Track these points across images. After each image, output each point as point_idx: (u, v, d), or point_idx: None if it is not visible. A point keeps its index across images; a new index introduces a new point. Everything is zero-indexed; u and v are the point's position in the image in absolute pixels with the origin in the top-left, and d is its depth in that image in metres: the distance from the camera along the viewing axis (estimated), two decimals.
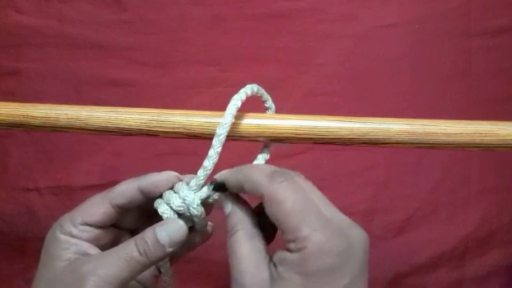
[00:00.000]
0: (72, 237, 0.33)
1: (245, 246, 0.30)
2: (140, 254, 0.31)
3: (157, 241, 0.32)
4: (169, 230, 0.32)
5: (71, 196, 0.62)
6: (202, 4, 0.62)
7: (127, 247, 0.32)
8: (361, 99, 0.61)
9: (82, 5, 0.62)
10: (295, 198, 0.28)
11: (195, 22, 0.62)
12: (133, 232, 0.37)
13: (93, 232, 0.34)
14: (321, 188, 0.64)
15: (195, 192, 0.34)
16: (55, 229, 0.34)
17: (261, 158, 0.37)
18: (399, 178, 0.61)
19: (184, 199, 0.33)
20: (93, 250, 0.34)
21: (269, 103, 0.39)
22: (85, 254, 0.33)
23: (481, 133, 0.36)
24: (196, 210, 0.33)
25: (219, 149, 0.34)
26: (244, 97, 0.35)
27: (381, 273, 0.59)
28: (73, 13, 0.62)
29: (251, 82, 0.60)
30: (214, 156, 0.34)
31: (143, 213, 0.37)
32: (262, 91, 0.37)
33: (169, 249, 0.32)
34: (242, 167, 0.31)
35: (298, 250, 0.27)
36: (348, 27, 0.61)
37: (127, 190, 0.34)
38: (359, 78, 0.61)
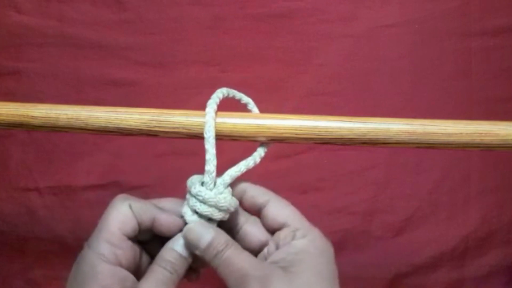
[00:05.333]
0: (118, 264, 0.32)
1: (243, 253, 0.34)
2: (171, 273, 0.33)
3: (180, 256, 0.34)
4: (182, 243, 0.35)
5: (71, 196, 0.62)
6: (202, 4, 0.62)
7: (157, 273, 0.33)
8: (361, 99, 0.61)
9: (82, 5, 0.62)
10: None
11: (195, 22, 0.62)
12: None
13: (132, 248, 0.34)
14: (321, 188, 0.64)
15: (211, 190, 0.35)
16: (92, 259, 0.32)
17: (258, 154, 0.37)
18: (399, 178, 0.61)
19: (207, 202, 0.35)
20: (130, 283, 0.33)
21: (245, 99, 0.39)
22: None
23: (481, 133, 0.36)
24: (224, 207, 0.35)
25: (214, 151, 0.35)
26: (217, 101, 0.37)
27: (381, 273, 0.59)
28: (73, 13, 0.62)
29: (251, 82, 0.60)
30: (212, 158, 0.35)
31: None
32: (234, 92, 0.39)
33: (190, 259, 0.35)
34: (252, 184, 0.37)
35: (304, 236, 0.34)
36: (348, 27, 0.61)
37: (146, 212, 0.35)
38: (359, 78, 0.61)
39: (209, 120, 0.35)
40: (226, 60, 0.62)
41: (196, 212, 0.35)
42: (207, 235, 0.34)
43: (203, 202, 0.34)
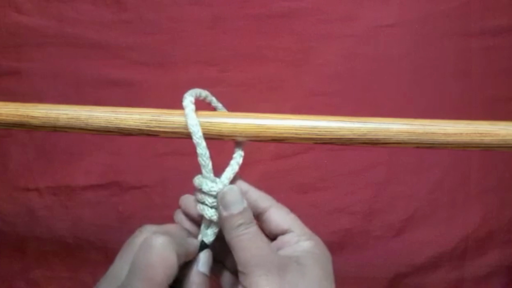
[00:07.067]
0: None
1: (264, 237, 0.35)
2: None
3: (206, 276, 0.35)
4: (203, 263, 0.36)
5: (71, 196, 0.62)
6: (202, 4, 0.62)
7: None
8: (361, 99, 0.61)
9: (82, 5, 0.62)
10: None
11: (195, 22, 0.62)
12: None
13: None
14: (321, 188, 0.64)
15: (214, 182, 0.36)
16: None
17: (237, 156, 0.38)
18: (399, 178, 0.61)
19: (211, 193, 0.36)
20: None
21: (210, 97, 0.40)
22: None
23: (481, 133, 0.36)
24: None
25: (204, 144, 0.35)
26: (192, 99, 0.37)
27: (381, 273, 0.59)
28: (73, 13, 0.62)
29: (251, 82, 0.60)
30: (204, 152, 0.35)
31: None
32: (206, 93, 0.39)
33: (209, 274, 0.36)
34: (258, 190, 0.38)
35: (309, 240, 0.36)
36: (348, 27, 0.61)
37: (183, 251, 0.34)
38: (359, 78, 0.61)
39: (189, 113, 0.35)
40: (226, 60, 0.62)
41: (214, 207, 0.36)
42: (241, 204, 0.35)
43: (215, 197, 0.36)
